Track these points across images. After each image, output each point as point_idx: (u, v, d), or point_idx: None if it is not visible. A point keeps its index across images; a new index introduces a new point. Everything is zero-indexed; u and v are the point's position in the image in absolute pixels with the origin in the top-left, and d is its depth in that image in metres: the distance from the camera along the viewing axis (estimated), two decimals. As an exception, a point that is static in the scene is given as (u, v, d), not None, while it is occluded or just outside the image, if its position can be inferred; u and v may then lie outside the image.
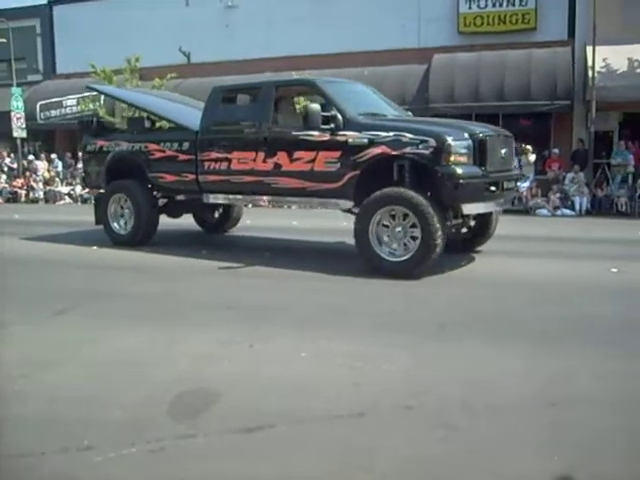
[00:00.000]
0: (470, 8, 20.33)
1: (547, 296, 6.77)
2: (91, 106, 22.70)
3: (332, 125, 8.12)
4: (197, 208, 10.87)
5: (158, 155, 9.76)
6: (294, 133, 8.51)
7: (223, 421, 3.67)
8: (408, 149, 7.66)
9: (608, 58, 17.80)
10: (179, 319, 5.85)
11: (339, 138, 8.08)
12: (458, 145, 7.55)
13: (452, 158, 7.52)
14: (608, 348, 4.88)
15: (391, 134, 7.78)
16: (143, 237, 9.99)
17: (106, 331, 5.44)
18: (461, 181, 7.52)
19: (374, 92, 9.34)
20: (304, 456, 3.28)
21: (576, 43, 19.08)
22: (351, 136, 8.01)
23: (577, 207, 17.07)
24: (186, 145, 9.43)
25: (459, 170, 7.52)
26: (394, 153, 7.74)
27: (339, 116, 8.11)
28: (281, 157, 8.55)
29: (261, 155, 8.69)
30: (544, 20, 19.64)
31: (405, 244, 7.73)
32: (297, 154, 8.42)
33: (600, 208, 17.30)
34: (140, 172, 10.01)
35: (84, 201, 20.95)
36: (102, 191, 10.65)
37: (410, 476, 3.11)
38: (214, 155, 9.15)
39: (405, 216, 7.67)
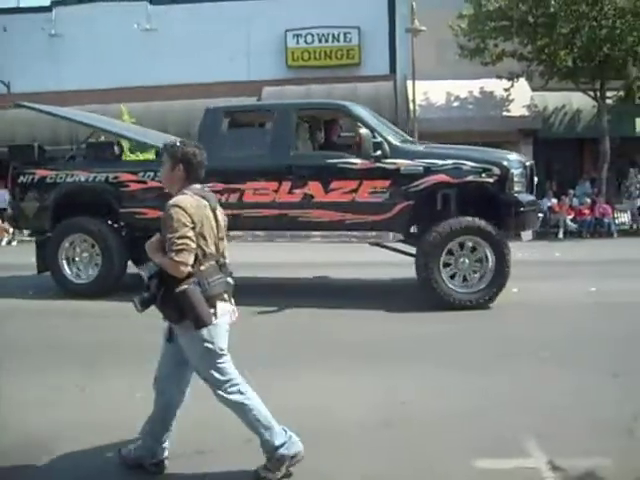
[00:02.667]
0: (297, 43, 19.43)
1: (362, 319, 6.44)
2: None
3: (378, 152, 6.88)
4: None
5: (136, 187, 7.52)
6: (329, 161, 7.08)
7: (50, 473, 3.21)
8: (471, 177, 6.74)
9: (428, 92, 17.87)
10: (3, 364, 4.88)
11: (388, 166, 6.85)
12: (518, 173, 6.86)
13: (515, 186, 6.81)
14: (441, 365, 4.76)
15: (449, 162, 6.78)
16: (112, 284, 7.64)
17: None
18: (525, 209, 6.82)
19: (375, 116, 8.16)
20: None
21: (398, 78, 18.89)
22: (403, 164, 6.83)
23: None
24: (178, 175, 7.35)
25: (523, 198, 6.83)
26: (455, 181, 6.76)
27: (385, 143, 6.91)
28: (313, 187, 7.02)
29: (286, 185, 7.06)
30: (368, 56, 19.25)
31: (465, 276, 6.80)
32: (334, 184, 6.97)
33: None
34: (105, 208, 7.66)
35: None
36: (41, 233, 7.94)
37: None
38: (219, 186, 7.21)
39: (473, 247, 6.75)
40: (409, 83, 17.55)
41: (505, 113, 17.64)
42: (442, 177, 6.74)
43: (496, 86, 17.55)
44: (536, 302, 7.01)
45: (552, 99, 17.37)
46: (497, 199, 6.73)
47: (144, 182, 7.44)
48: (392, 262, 8.38)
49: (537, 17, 15.82)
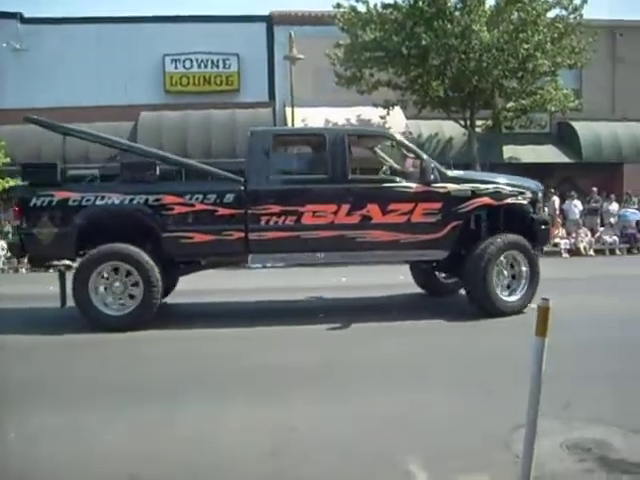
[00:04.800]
0: (176, 68, 19.30)
1: (248, 347, 6.41)
2: None
3: (432, 177, 7.39)
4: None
5: (181, 210, 7.17)
6: (387, 184, 7.40)
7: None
8: (510, 200, 7.61)
9: (306, 119, 18.26)
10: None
11: (440, 190, 7.44)
12: (541, 196, 7.85)
13: (540, 207, 7.77)
14: (328, 391, 4.88)
15: (490, 186, 7.57)
16: (151, 315, 7.08)
17: None
18: (547, 226, 7.85)
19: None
20: None
21: (277, 105, 19.42)
22: (453, 188, 7.46)
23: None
24: (230, 197, 7.17)
25: (546, 217, 7.86)
26: (497, 203, 7.57)
27: (436, 169, 7.45)
28: (371, 209, 7.37)
29: (345, 207, 7.30)
30: (247, 83, 19.60)
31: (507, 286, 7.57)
32: (392, 206, 7.36)
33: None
34: (145, 232, 7.17)
35: None
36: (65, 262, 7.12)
37: None
38: (276, 209, 7.20)
39: (511, 261, 7.54)
40: (288, 110, 18.06)
41: (382, 140, 18.70)
42: (486, 200, 7.51)
43: (373, 113, 18.47)
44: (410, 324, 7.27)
45: (426, 127, 18.92)
46: (529, 218, 7.63)
47: (192, 205, 7.04)
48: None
49: (410, 49, 16.92)
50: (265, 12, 19.88)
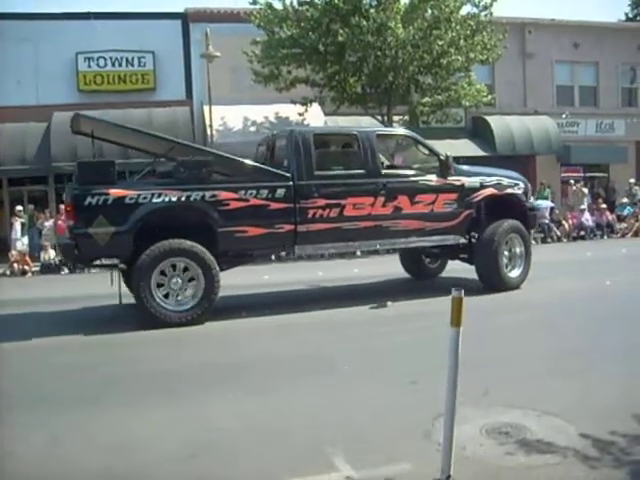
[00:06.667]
0: (89, 67, 19.46)
1: (172, 348, 6.63)
2: None
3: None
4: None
5: (237, 205, 7.69)
6: (414, 178, 8.27)
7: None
8: (509, 190, 8.88)
9: (225, 117, 19.08)
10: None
11: (456, 182, 8.53)
12: (529, 187, 9.17)
13: (530, 196, 9.05)
14: (245, 390, 4.93)
15: (493, 179, 8.78)
16: (211, 309, 7.39)
17: None
18: (536, 212, 9.17)
19: None
20: None
21: (194, 103, 20.00)
22: (465, 181, 8.59)
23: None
24: (281, 192, 7.79)
25: (535, 204, 9.14)
26: (500, 193, 8.83)
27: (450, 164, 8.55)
28: (402, 201, 8.50)
29: (380, 200, 8.30)
30: (163, 81, 20.03)
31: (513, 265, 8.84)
32: (418, 197, 8.44)
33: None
34: (201, 228, 7.50)
35: None
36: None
37: None
38: (322, 202, 7.93)
39: (509, 242, 8.81)
40: (206, 108, 18.82)
41: (301, 137, 19.31)
42: (492, 190, 8.92)
43: (291, 111, 19.46)
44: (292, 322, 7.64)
45: (344, 123, 19.87)
46: (523, 206, 8.91)
47: (246, 200, 7.44)
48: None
49: (327, 46, 17.87)
50: (180, 9, 19.99)
